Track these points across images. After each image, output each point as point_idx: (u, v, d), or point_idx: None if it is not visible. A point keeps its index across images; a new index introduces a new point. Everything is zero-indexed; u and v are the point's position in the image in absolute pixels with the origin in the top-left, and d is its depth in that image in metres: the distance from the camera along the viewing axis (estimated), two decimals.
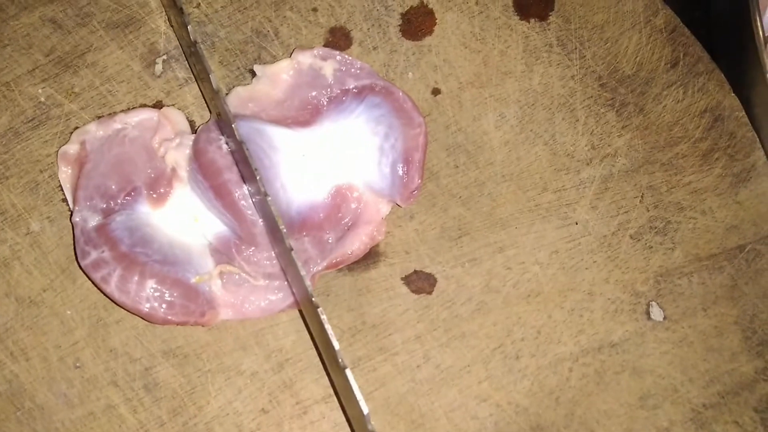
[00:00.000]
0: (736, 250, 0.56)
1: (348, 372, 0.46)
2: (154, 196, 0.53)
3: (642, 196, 0.56)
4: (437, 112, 0.57)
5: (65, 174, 0.54)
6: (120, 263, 0.51)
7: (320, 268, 0.53)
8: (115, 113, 0.55)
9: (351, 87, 0.55)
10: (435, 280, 0.54)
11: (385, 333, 0.53)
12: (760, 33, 0.56)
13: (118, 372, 0.52)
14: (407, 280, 0.54)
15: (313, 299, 0.47)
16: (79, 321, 0.53)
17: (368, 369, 0.53)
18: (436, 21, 0.58)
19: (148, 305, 0.51)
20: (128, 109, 0.56)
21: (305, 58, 0.55)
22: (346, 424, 0.52)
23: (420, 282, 0.54)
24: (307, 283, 0.48)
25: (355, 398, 0.45)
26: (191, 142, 0.54)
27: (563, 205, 0.56)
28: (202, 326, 0.53)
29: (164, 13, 0.57)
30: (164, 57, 0.57)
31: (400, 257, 0.55)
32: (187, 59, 0.57)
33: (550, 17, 0.59)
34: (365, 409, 0.45)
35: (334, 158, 0.55)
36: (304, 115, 0.55)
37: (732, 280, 0.55)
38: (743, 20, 0.57)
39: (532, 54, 0.58)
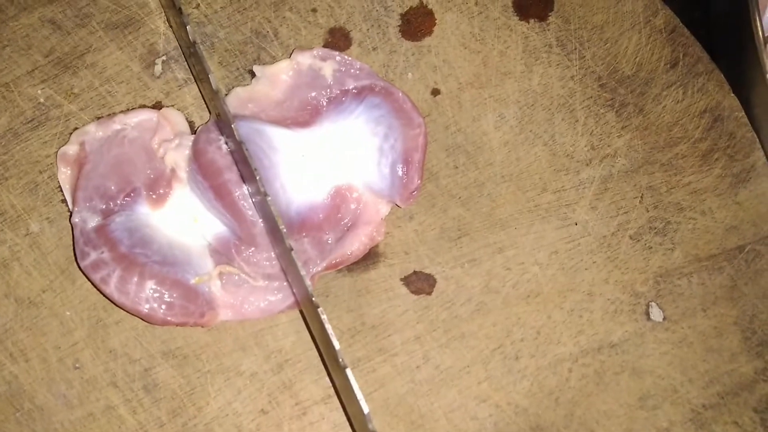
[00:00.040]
0: (736, 251, 0.56)
1: (348, 371, 0.46)
2: (154, 196, 0.53)
3: (641, 197, 0.56)
4: (437, 113, 0.57)
5: (64, 175, 0.54)
6: (119, 264, 0.51)
7: (320, 269, 0.53)
8: (114, 114, 0.55)
9: (350, 87, 0.55)
10: (434, 281, 0.54)
11: (384, 334, 0.53)
12: (760, 33, 0.56)
13: (117, 373, 0.52)
14: (407, 280, 0.54)
15: (314, 299, 0.47)
16: (79, 322, 0.53)
17: (368, 370, 0.53)
18: (436, 21, 0.58)
19: (147, 306, 0.51)
20: (128, 109, 0.56)
21: (305, 59, 0.55)
22: (345, 424, 0.52)
23: (419, 283, 0.54)
24: (308, 282, 0.48)
25: (356, 398, 0.45)
26: (191, 143, 0.54)
27: (563, 206, 0.56)
28: (202, 327, 0.53)
29: (163, 13, 0.57)
30: (163, 58, 0.57)
31: (399, 258, 0.55)
32: (186, 60, 0.57)
33: (550, 18, 0.59)
34: (366, 409, 0.45)
35: (333, 159, 0.55)
36: (303, 115, 0.55)
37: (731, 281, 0.55)
38: (743, 20, 0.57)
39: (532, 54, 0.58)
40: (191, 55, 0.54)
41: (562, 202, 0.56)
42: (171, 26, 0.57)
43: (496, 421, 0.53)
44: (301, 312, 0.54)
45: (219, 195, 0.52)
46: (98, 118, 0.55)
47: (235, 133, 0.49)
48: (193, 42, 0.51)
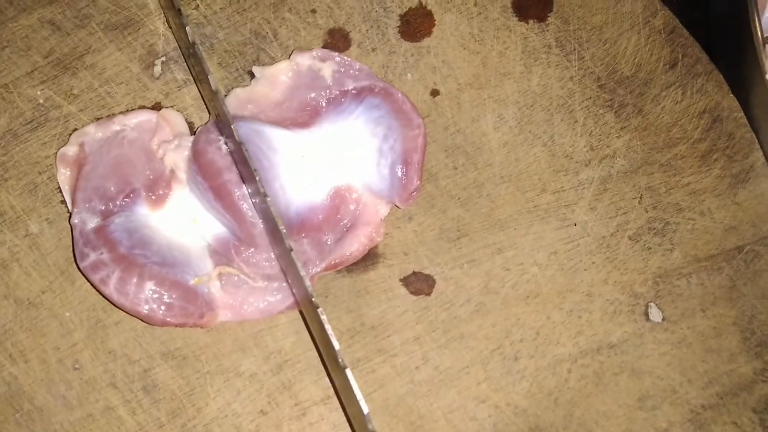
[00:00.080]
0: (735, 251, 0.56)
1: (348, 372, 0.46)
2: (153, 197, 0.53)
3: (641, 197, 0.56)
4: (436, 114, 0.57)
5: (64, 176, 0.54)
6: (119, 265, 0.51)
7: (319, 270, 0.53)
8: (113, 115, 0.55)
9: (350, 88, 0.55)
10: (434, 282, 0.54)
11: (383, 334, 0.53)
12: (759, 34, 0.56)
13: (116, 374, 0.52)
14: (406, 281, 0.54)
15: (313, 300, 0.47)
16: (78, 323, 0.53)
17: (367, 370, 0.53)
18: (435, 22, 0.58)
19: (146, 307, 0.51)
20: (127, 110, 0.56)
21: (304, 60, 0.55)
22: (345, 425, 0.52)
23: (419, 283, 0.54)
24: (307, 283, 0.48)
25: (355, 398, 0.45)
26: (190, 144, 0.54)
27: (562, 206, 0.56)
28: (201, 328, 0.53)
29: (163, 14, 0.57)
30: (163, 59, 0.57)
31: (398, 258, 0.55)
32: (185, 61, 0.57)
33: (549, 18, 0.59)
34: (365, 409, 0.45)
35: (332, 159, 0.55)
36: (303, 116, 0.55)
37: (730, 281, 0.55)
38: (742, 21, 0.57)
39: (531, 55, 0.58)
40: (190, 56, 0.54)
41: (561, 202, 0.56)
42: (170, 27, 0.57)
43: (495, 422, 0.53)
44: (301, 313, 0.54)
45: (218, 196, 0.52)
46: (98, 119, 0.55)
47: (235, 133, 0.49)
48: (192, 43, 0.51)
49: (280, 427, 0.52)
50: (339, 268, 0.54)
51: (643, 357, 0.54)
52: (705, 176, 0.57)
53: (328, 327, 0.47)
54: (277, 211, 0.49)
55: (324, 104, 0.55)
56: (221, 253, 0.53)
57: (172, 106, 0.56)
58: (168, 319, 0.51)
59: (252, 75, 0.56)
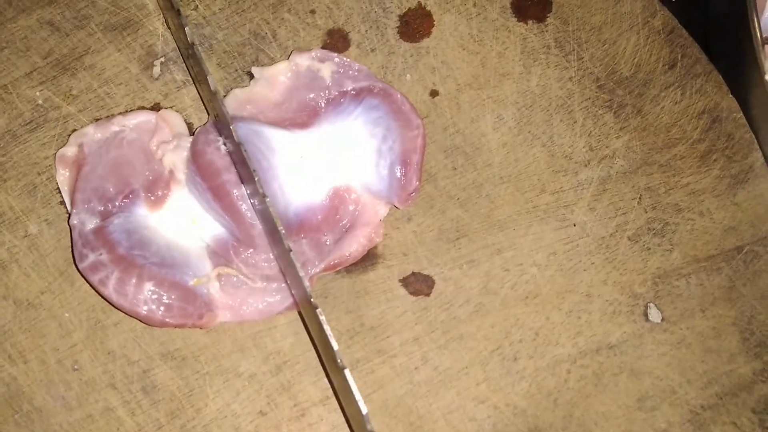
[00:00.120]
0: (734, 252, 0.56)
1: (347, 373, 0.46)
2: (152, 198, 0.53)
3: (640, 198, 0.56)
4: (435, 114, 0.57)
5: (63, 176, 0.54)
6: (118, 266, 0.51)
7: (318, 270, 0.53)
8: (112, 116, 0.55)
9: (349, 89, 0.55)
10: (433, 282, 0.54)
11: (383, 335, 0.53)
12: (758, 34, 0.56)
13: (116, 374, 0.52)
14: (405, 282, 0.54)
15: (312, 300, 0.47)
16: (77, 323, 0.53)
17: (366, 371, 0.53)
18: (434, 23, 0.58)
19: (146, 308, 0.51)
20: (126, 111, 0.56)
21: (303, 60, 0.55)
22: (344, 426, 0.52)
23: (418, 284, 0.54)
24: (306, 284, 0.48)
25: (354, 399, 0.45)
26: (189, 145, 0.54)
27: (561, 207, 0.56)
28: (200, 328, 0.53)
29: (162, 15, 0.57)
30: (162, 59, 0.57)
31: (398, 259, 0.55)
32: (184, 61, 0.57)
33: (548, 19, 0.59)
34: (364, 410, 0.45)
35: (332, 160, 0.55)
36: (302, 117, 0.55)
37: (730, 282, 0.55)
38: (741, 21, 0.57)
39: (530, 56, 0.58)
40: (190, 56, 0.54)
41: (560, 203, 0.56)
42: (169, 28, 0.57)
43: (494, 423, 0.53)
44: (300, 313, 0.54)
45: (217, 196, 0.52)
46: (97, 119, 0.55)
47: (234, 134, 0.49)
48: (191, 43, 0.51)
49: (279, 427, 0.52)
50: (338, 268, 0.54)
51: (643, 357, 0.54)
52: (704, 177, 0.57)
53: (327, 328, 0.47)
54: (276, 211, 0.49)
55: (323, 105, 0.55)
56: (220, 254, 0.53)
57: (171, 107, 0.56)
58: (167, 320, 0.51)
59: (251, 76, 0.56)
